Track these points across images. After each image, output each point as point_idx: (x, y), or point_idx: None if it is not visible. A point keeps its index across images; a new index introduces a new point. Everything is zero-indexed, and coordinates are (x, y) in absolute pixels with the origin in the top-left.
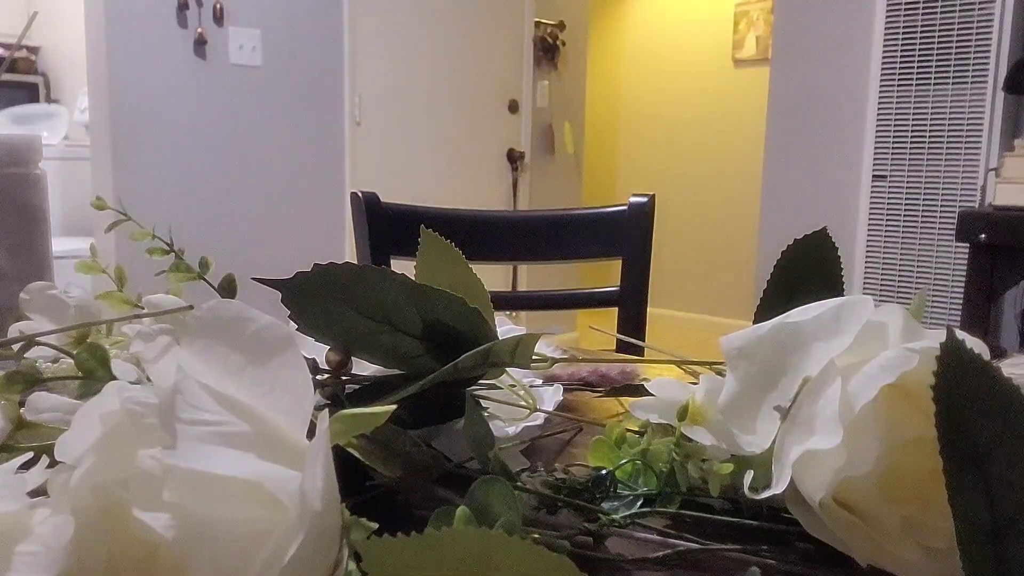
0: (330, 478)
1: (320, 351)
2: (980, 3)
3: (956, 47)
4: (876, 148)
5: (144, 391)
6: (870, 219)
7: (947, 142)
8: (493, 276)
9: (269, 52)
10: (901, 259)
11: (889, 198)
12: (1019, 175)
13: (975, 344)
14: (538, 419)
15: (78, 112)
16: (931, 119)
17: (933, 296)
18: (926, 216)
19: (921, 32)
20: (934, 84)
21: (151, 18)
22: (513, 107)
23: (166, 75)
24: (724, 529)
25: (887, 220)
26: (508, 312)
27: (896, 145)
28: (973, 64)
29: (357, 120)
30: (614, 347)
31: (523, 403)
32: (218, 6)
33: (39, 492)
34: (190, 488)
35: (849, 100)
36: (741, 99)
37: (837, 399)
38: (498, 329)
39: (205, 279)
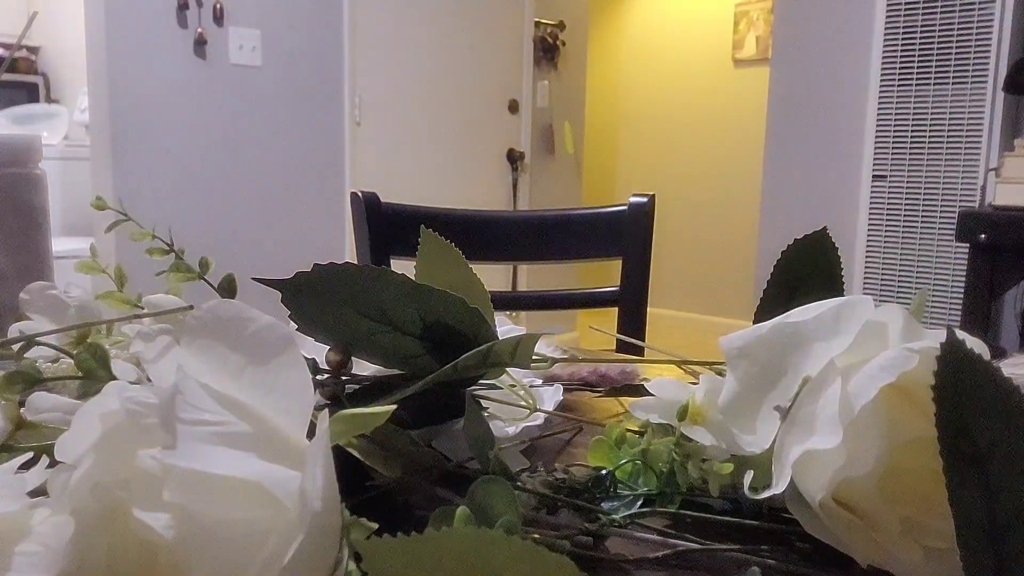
0: (330, 478)
1: (320, 351)
2: (980, 3)
3: (956, 47)
4: (876, 148)
5: (144, 391)
6: (870, 219)
7: (947, 142)
8: (493, 276)
9: (269, 52)
10: (901, 259)
11: (889, 198)
12: (1019, 175)
13: (975, 344)
14: (538, 419)
15: (78, 112)
16: (931, 119)
17: (933, 296)
18: (926, 216)
19: (921, 32)
20: (934, 84)
21: (151, 18)
22: (513, 107)
23: (166, 75)
24: (724, 529)
25: (887, 220)
26: (508, 312)
27: (896, 145)
28: (973, 64)
29: (357, 120)
30: (614, 347)
31: (523, 403)
32: (218, 6)
33: (39, 492)
34: (190, 488)
35: (849, 100)
36: (741, 99)
37: (837, 399)
38: (498, 329)
39: (205, 279)
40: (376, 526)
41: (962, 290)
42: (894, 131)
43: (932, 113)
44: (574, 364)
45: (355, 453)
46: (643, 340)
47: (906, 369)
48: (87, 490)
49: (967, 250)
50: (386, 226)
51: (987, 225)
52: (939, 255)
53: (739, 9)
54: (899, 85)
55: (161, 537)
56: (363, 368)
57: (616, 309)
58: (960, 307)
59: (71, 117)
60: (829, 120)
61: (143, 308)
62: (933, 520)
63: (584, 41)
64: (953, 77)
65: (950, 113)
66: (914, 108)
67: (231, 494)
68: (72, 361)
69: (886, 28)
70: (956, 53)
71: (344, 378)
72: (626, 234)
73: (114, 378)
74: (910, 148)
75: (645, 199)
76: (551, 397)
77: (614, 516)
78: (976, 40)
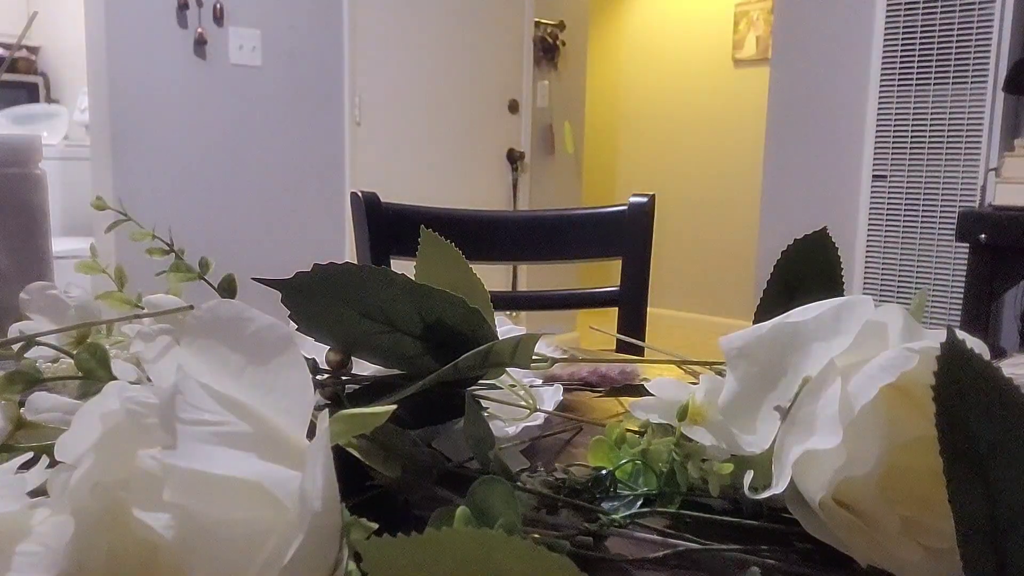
0: (330, 478)
1: (320, 351)
2: (980, 3)
3: (956, 47)
4: (876, 148)
5: (144, 391)
6: (870, 219)
7: (947, 142)
8: (493, 276)
9: (269, 52)
10: (901, 259)
11: (889, 198)
12: (1019, 175)
13: (975, 344)
14: (538, 419)
15: (78, 112)
16: (931, 119)
17: (933, 296)
18: (926, 216)
19: (921, 32)
20: (934, 84)
21: (151, 18)
22: (513, 107)
23: (166, 75)
24: (724, 529)
25: (887, 220)
26: (508, 312)
27: (896, 145)
28: (973, 64)
29: (357, 120)
30: (614, 347)
31: (523, 403)
32: (218, 6)
33: (39, 492)
34: (190, 488)
35: (849, 100)
36: (741, 99)
37: (837, 399)
38: (498, 329)
39: (205, 279)
40: (376, 526)
41: (962, 290)
42: (894, 131)
43: (932, 113)
44: (574, 364)
45: (355, 453)
46: (643, 340)
47: (906, 369)
48: (87, 490)
49: (967, 250)
50: (386, 226)
51: (987, 225)
52: (939, 255)
53: (739, 9)
54: (899, 85)
55: (161, 537)
56: (363, 368)
57: (616, 309)
58: (960, 307)
59: (71, 117)
60: (829, 120)
61: (143, 308)
62: (933, 520)
63: (584, 41)
64: (953, 77)
65: (950, 113)
66: (914, 108)
67: (231, 494)
68: (72, 361)
69: (886, 28)
70: (956, 53)
71: (344, 378)
72: (626, 234)
73: (114, 378)
74: (910, 148)
75: (645, 199)
76: (551, 397)
77: (614, 516)
78: (976, 40)
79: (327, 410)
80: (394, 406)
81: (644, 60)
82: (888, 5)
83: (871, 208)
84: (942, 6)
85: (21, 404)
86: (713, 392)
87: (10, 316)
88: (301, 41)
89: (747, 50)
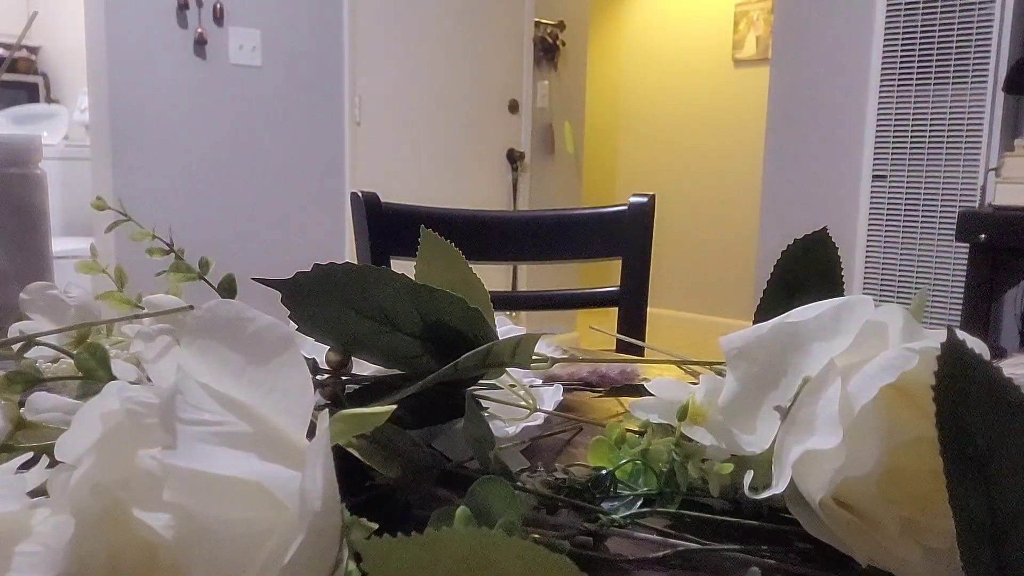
0: (330, 478)
1: (320, 351)
2: (980, 3)
3: (956, 47)
4: (876, 148)
5: (144, 391)
6: (870, 219)
7: (947, 142)
8: (493, 276)
9: (269, 52)
10: (901, 259)
11: (889, 198)
12: (1019, 175)
13: (975, 344)
14: (538, 419)
15: (78, 112)
16: (931, 119)
17: (933, 296)
18: (926, 216)
19: (921, 32)
20: (934, 84)
21: (151, 18)
22: (513, 107)
23: (166, 75)
24: (724, 529)
25: (887, 220)
26: (508, 312)
27: (896, 145)
28: (973, 64)
29: (357, 120)
30: (614, 347)
31: (523, 403)
32: (218, 6)
33: (39, 492)
34: (190, 488)
35: (849, 100)
36: (741, 99)
37: (837, 399)
38: (498, 329)
39: (205, 279)
40: (376, 526)
41: (962, 290)
42: (894, 131)
43: (932, 113)
44: (574, 364)
45: (355, 453)
46: (643, 340)
47: (906, 369)
48: (87, 490)
49: (967, 250)
50: (386, 226)
51: (987, 225)
52: (939, 255)
53: (739, 9)
54: (899, 85)
55: (161, 537)
56: (363, 368)
57: (616, 309)
58: (960, 307)
59: (71, 117)
60: (829, 120)
61: (143, 308)
62: (933, 520)
63: (584, 41)
64: (953, 77)
65: (950, 113)
66: (914, 108)
67: (231, 494)
68: (72, 361)
69: (886, 28)
70: (956, 53)
71: (344, 378)
72: (626, 234)
73: (114, 378)
74: (910, 148)
75: (645, 199)
76: (551, 397)
77: (614, 516)
78: (976, 40)
79: (327, 410)
80: (394, 406)
81: (644, 60)
82: (888, 5)
83: (871, 208)
84: (942, 6)
85: (21, 404)
86: (713, 392)
87: (10, 316)
88: (301, 41)
89: (747, 50)
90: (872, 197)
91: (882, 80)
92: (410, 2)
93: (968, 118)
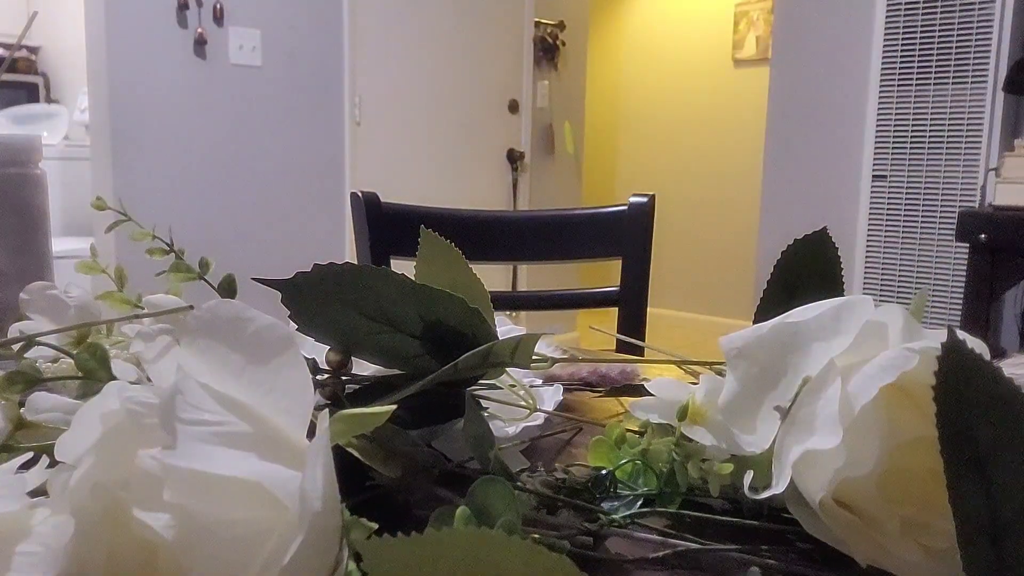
0: (330, 478)
1: (320, 351)
2: (980, 3)
3: (956, 47)
4: (876, 148)
5: (144, 391)
6: (870, 219)
7: (947, 142)
8: (493, 276)
9: (269, 52)
10: (901, 259)
11: (889, 198)
12: (1019, 175)
13: (975, 344)
14: (538, 419)
15: (78, 112)
16: (931, 119)
17: (933, 296)
18: (926, 216)
19: (921, 32)
20: (934, 84)
21: (151, 18)
22: (513, 107)
23: (166, 75)
24: (724, 529)
25: (887, 220)
26: (508, 312)
27: (896, 145)
28: (973, 64)
29: (357, 120)
30: (614, 347)
31: (523, 403)
32: (218, 6)
33: (39, 492)
34: (190, 488)
35: (849, 100)
36: (741, 99)
37: (837, 399)
38: (498, 329)
39: (205, 279)
40: (376, 526)
41: (962, 290)
42: (894, 131)
43: (932, 113)
44: (574, 364)
45: (355, 453)
46: (643, 340)
47: (906, 369)
48: (87, 490)
49: (967, 250)
50: (386, 226)
51: (987, 225)
52: (939, 255)
53: (739, 9)
54: (899, 85)
55: (161, 537)
56: (363, 368)
57: (616, 309)
58: (960, 307)
59: (71, 117)
60: (829, 120)
61: (143, 308)
62: (933, 520)
63: (584, 41)
64: (953, 77)
65: (950, 113)
66: (914, 108)
67: (231, 494)
68: (72, 361)
69: (886, 28)
70: (956, 53)
71: (344, 378)
72: (626, 234)
73: (114, 378)
74: (910, 148)
75: (645, 199)
76: (551, 397)
77: (614, 516)
78: (976, 40)
79: (327, 410)
80: (394, 406)
81: (644, 60)
82: (888, 5)
83: (871, 208)
84: (942, 6)
85: (21, 404)
86: (713, 392)
87: (10, 316)
88: (301, 41)
89: (747, 50)
90: (872, 197)
91: (882, 80)
92: (410, 2)
93: (968, 118)
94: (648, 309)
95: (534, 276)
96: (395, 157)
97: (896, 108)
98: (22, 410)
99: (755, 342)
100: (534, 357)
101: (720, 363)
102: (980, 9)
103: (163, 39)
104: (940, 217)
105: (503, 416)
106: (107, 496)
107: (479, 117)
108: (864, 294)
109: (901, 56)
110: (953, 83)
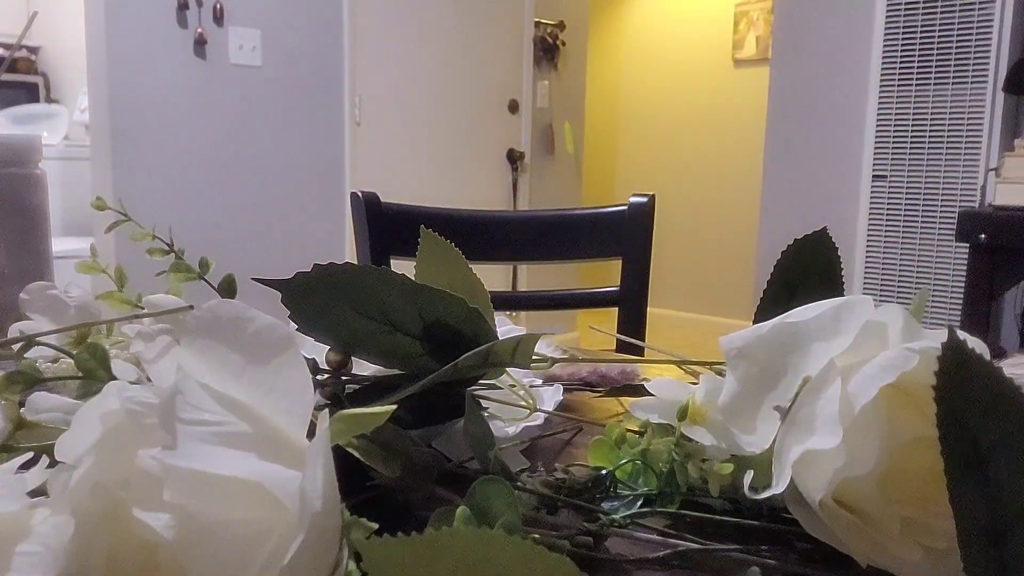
0: (330, 478)
1: (320, 351)
2: (980, 3)
3: (956, 47)
4: (876, 148)
5: (144, 391)
6: (870, 219)
7: (947, 142)
8: (493, 276)
9: (269, 52)
10: (901, 259)
11: (889, 198)
12: (1019, 175)
13: (976, 344)
14: (538, 419)
15: (78, 112)
16: (931, 119)
17: (933, 296)
18: (926, 216)
19: (921, 32)
20: (934, 84)
21: (151, 18)
22: (513, 107)
23: (166, 75)
24: (724, 529)
25: (887, 220)
26: (508, 312)
27: (896, 145)
28: (973, 64)
29: (357, 120)
30: (614, 347)
31: (523, 403)
32: (218, 6)
33: (39, 492)
34: (190, 488)
35: (849, 100)
36: (741, 99)
37: (837, 399)
38: (498, 329)
39: (205, 279)
40: (376, 526)
41: (962, 290)
42: (894, 131)
43: (932, 113)
44: (574, 364)
45: (355, 453)
46: (643, 340)
47: (906, 369)
48: (87, 490)
49: (967, 250)
50: (386, 226)
51: (987, 225)
52: (939, 255)
53: (739, 9)
54: (899, 85)
55: (161, 537)
56: (363, 368)
57: (616, 309)
58: (960, 307)
59: (71, 117)
60: (829, 120)
61: (143, 308)
62: (933, 520)
63: (584, 41)
64: (953, 77)
65: (950, 113)
66: (914, 108)
67: (231, 494)
68: (72, 361)
69: (886, 28)
70: (956, 53)
71: (344, 378)
72: (626, 234)
73: (114, 378)
74: (910, 148)
75: (645, 199)
76: (551, 397)
77: (614, 516)
78: (976, 40)
79: (327, 410)
80: (394, 406)
81: (644, 60)
82: (888, 5)
83: (871, 208)
84: (942, 6)
85: (21, 404)
86: (713, 392)
87: (10, 316)
88: (301, 41)
89: (747, 50)
90: (872, 197)
91: (882, 80)
92: (410, 2)
93: (968, 118)
94: (648, 309)
95: (534, 276)
96: (395, 157)
97: (896, 108)
98: (22, 410)
99: (755, 342)
100: (534, 357)
101: (720, 363)
102: (980, 9)
103: (163, 39)
104: (940, 217)
105: (503, 416)
106: (107, 496)
107: (479, 117)
108: (864, 294)
109: (901, 56)
110: (953, 83)
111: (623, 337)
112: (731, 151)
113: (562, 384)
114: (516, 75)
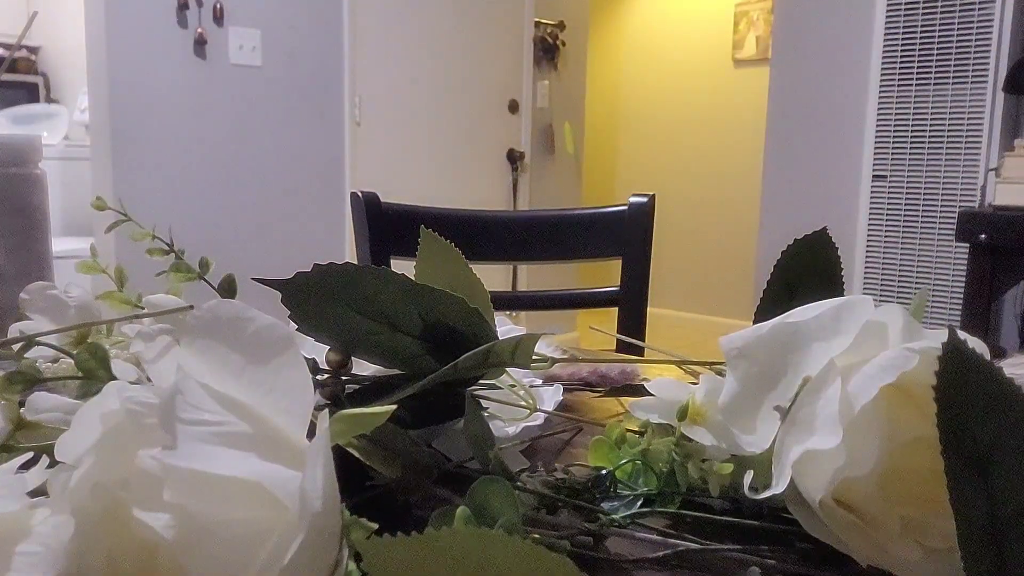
0: (330, 478)
1: (320, 351)
2: (980, 3)
3: (956, 47)
4: (876, 148)
5: (144, 391)
6: (870, 219)
7: (947, 142)
8: (493, 276)
9: (269, 52)
10: (901, 259)
11: (889, 198)
12: (1019, 175)
13: (976, 344)
14: (538, 419)
15: (78, 112)
16: (931, 119)
17: (933, 296)
18: (926, 216)
19: (921, 32)
20: (934, 84)
21: (151, 18)
22: (513, 107)
23: (166, 75)
24: (724, 529)
25: (887, 220)
26: (508, 312)
27: (896, 145)
28: (973, 64)
29: (357, 120)
30: (614, 347)
31: (523, 403)
32: (218, 6)
33: (39, 492)
34: (190, 488)
35: (849, 100)
36: (741, 99)
37: (837, 399)
38: (498, 329)
39: (205, 279)
40: (376, 526)
41: (962, 290)
42: (894, 131)
43: (932, 113)
44: (574, 364)
45: (355, 453)
46: (643, 340)
47: (906, 369)
48: (87, 490)
49: (967, 250)
50: (386, 226)
51: (987, 225)
52: (939, 255)
53: (739, 9)
54: (899, 85)
55: (161, 537)
56: (363, 368)
57: (616, 309)
58: (960, 307)
59: (71, 117)
60: (829, 120)
61: (143, 308)
62: (933, 520)
63: (584, 41)
64: (953, 77)
65: (950, 113)
66: (914, 108)
67: (231, 494)
68: (72, 361)
69: (886, 28)
70: (956, 53)
71: (344, 378)
72: (626, 234)
73: (114, 378)
74: (910, 148)
75: (645, 199)
76: (551, 397)
77: (614, 516)
78: (976, 40)
79: (327, 410)
80: (394, 406)
81: (644, 60)
82: (888, 5)
83: (871, 208)
84: (942, 6)
85: (21, 404)
86: (713, 392)
87: (10, 316)
88: (301, 41)
89: (747, 50)
90: (872, 197)
91: (882, 80)
92: (410, 2)
93: (968, 118)
94: (648, 309)
95: (534, 276)
96: (395, 157)
97: (896, 108)
98: (22, 410)
99: (755, 342)
100: (534, 357)
101: (720, 363)
102: (980, 9)
103: (163, 39)
104: (940, 217)
105: (503, 416)
106: (107, 496)
107: (479, 117)
108: (864, 294)
109: (901, 56)
110: (953, 83)
111: (623, 337)
112: (731, 151)
113: (562, 384)
114: (516, 75)
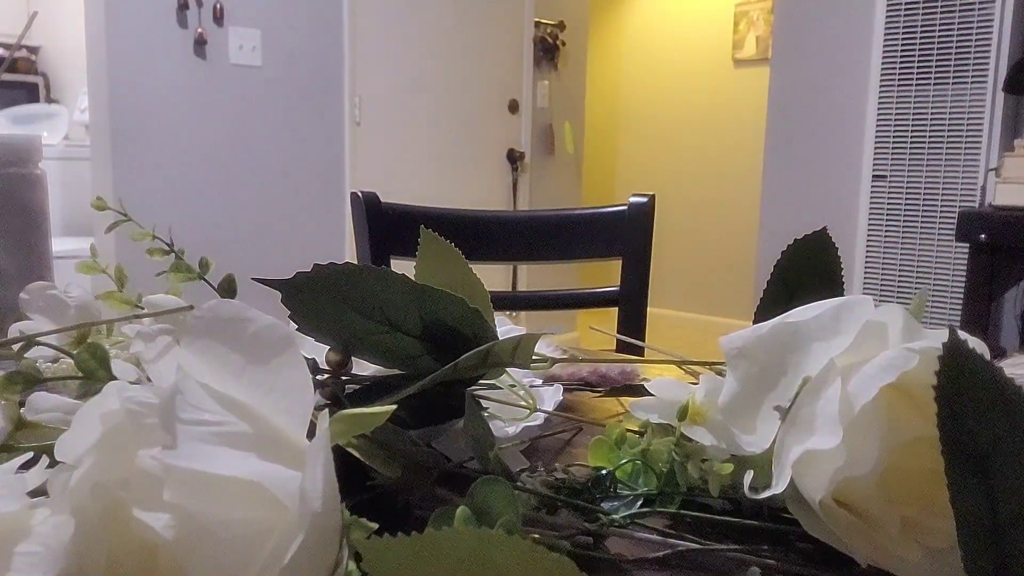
0: (330, 478)
1: (320, 351)
2: (980, 3)
3: (956, 47)
4: (876, 148)
5: (144, 391)
6: (870, 219)
7: (947, 142)
8: (493, 276)
9: (269, 52)
10: (901, 259)
11: (889, 198)
12: (1019, 175)
13: (976, 344)
14: (538, 419)
15: (78, 112)
16: (931, 119)
17: (933, 296)
18: (926, 216)
19: (921, 32)
20: (934, 84)
21: (151, 18)
22: (513, 107)
23: (166, 75)
24: (724, 529)
25: (887, 220)
26: (508, 312)
27: (896, 145)
28: (973, 64)
29: (357, 120)
30: (614, 347)
31: (523, 403)
32: (218, 6)
33: (39, 492)
34: (190, 488)
35: (849, 100)
36: (741, 99)
37: (837, 399)
38: (498, 329)
39: (205, 279)
40: (376, 526)
41: (962, 290)
42: (894, 131)
43: (932, 113)
44: (574, 364)
45: (355, 453)
46: (643, 340)
47: (906, 369)
48: (87, 490)
49: (967, 250)
50: (386, 226)
51: (987, 225)
52: (939, 255)
53: (739, 9)
54: (899, 85)
55: (161, 537)
56: (363, 368)
57: (616, 309)
58: (960, 307)
59: (71, 117)
60: (829, 120)
61: (143, 308)
62: (933, 520)
63: (584, 41)
64: (953, 77)
65: (950, 113)
66: (914, 108)
67: (231, 494)
68: (72, 361)
69: (886, 28)
70: (956, 53)
71: (344, 378)
72: (626, 234)
73: (114, 378)
74: (910, 148)
75: (645, 199)
76: (551, 397)
77: (614, 516)
78: (976, 40)
79: (327, 410)
80: (394, 406)
81: (644, 60)
82: (888, 5)
83: (871, 208)
84: (942, 6)
85: (21, 404)
86: (713, 392)
87: (10, 316)
88: (301, 41)
89: (747, 50)
90: (872, 197)
91: (882, 80)
92: (410, 2)
93: (968, 118)
94: (648, 309)
95: (534, 276)
96: (395, 157)
97: (896, 108)
98: (22, 410)
99: (755, 342)
100: (534, 357)
101: (720, 363)
102: (980, 9)
103: (163, 39)
104: (940, 217)
105: (503, 416)
106: (107, 496)
107: (479, 117)
108: (864, 294)
109: (901, 56)
110: (953, 83)
111: (623, 337)
112: (731, 151)
113: (562, 384)
114: (516, 75)
